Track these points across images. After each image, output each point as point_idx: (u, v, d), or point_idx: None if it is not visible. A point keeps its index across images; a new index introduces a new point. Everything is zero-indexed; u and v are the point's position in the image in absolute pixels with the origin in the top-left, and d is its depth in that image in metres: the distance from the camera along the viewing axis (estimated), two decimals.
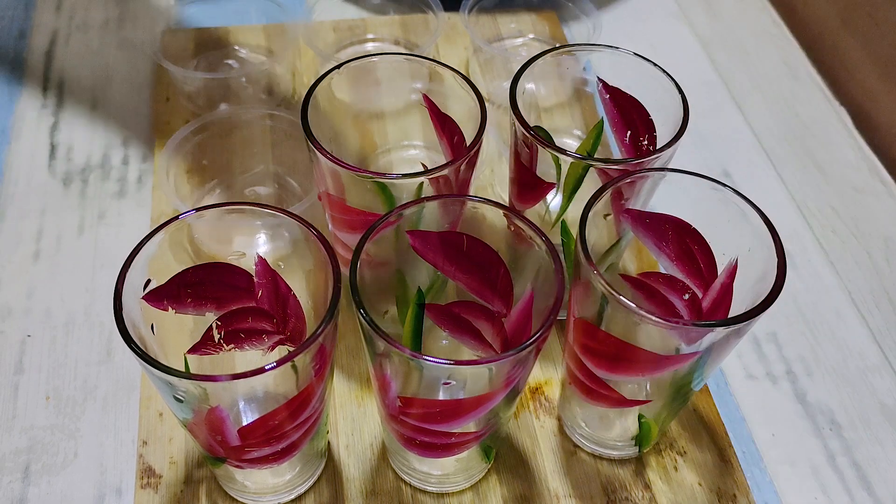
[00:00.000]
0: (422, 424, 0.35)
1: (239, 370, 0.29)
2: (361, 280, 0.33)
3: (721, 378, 0.47)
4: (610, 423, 0.41)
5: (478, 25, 0.63)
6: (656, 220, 0.37)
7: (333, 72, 0.41)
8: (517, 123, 0.39)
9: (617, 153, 0.44)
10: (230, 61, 0.62)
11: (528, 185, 0.41)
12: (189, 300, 0.35)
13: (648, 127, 0.41)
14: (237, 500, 0.40)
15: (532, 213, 0.43)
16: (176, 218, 0.33)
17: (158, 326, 0.34)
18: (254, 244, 0.35)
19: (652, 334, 0.34)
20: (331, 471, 0.41)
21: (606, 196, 0.35)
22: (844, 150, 0.60)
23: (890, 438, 0.45)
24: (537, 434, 0.43)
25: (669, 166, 0.38)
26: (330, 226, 0.43)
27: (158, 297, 0.34)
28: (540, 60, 0.42)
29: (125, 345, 0.29)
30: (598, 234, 0.38)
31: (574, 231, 0.38)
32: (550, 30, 0.65)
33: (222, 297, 0.36)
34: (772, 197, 0.57)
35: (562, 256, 0.33)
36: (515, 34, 0.65)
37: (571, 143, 0.56)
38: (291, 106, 0.59)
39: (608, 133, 0.43)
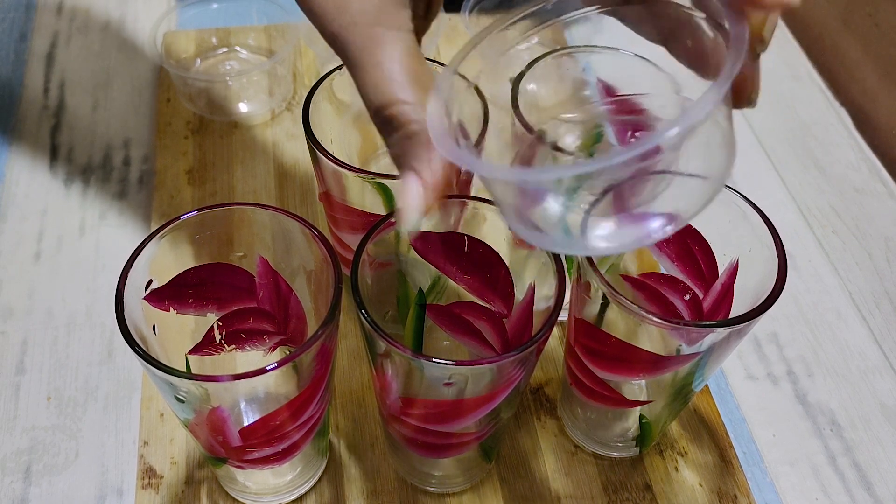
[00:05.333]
0: (423, 425, 0.35)
1: (240, 371, 0.29)
2: (362, 280, 0.33)
3: (722, 378, 0.47)
4: (610, 424, 0.41)
5: (479, 26, 0.63)
6: None
7: (334, 73, 0.41)
8: (518, 124, 0.39)
9: None
10: (231, 62, 0.62)
11: None
12: (190, 301, 0.35)
13: (648, 128, 0.41)
14: (238, 501, 0.40)
15: None
16: (177, 218, 0.34)
17: (160, 327, 0.34)
18: (255, 244, 0.35)
19: (653, 335, 0.34)
20: (332, 471, 0.41)
21: (607, 197, 0.35)
22: (845, 150, 0.60)
23: (890, 439, 0.45)
24: (538, 434, 0.43)
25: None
26: (331, 226, 0.43)
27: (160, 297, 0.34)
28: (541, 62, 0.42)
29: (126, 345, 0.30)
30: None
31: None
32: (551, 31, 0.65)
33: (223, 297, 0.36)
34: (772, 197, 0.57)
35: (563, 257, 0.34)
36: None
37: (572, 144, 0.56)
38: (292, 107, 0.59)
39: (608, 134, 0.43)
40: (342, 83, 0.41)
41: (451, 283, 0.37)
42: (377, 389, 0.36)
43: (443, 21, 0.59)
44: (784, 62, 0.66)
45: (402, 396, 0.34)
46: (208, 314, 0.36)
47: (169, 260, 0.34)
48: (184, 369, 0.35)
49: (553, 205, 0.27)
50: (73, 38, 0.64)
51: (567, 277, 0.33)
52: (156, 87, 0.60)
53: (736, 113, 0.68)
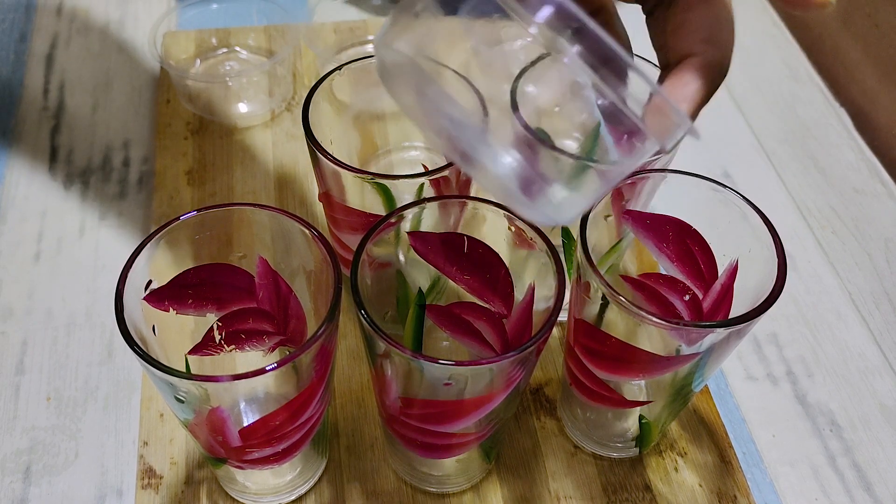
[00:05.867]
0: (422, 425, 0.35)
1: (240, 371, 0.29)
2: (362, 281, 0.33)
3: (721, 379, 0.47)
4: (610, 424, 0.41)
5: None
6: (657, 221, 0.37)
7: (334, 73, 0.41)
8: (518, 126, 0.39)
9: None
10: (231, 63, 0.62)
11: None
12: (190, 301, 0.35)
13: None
14: (238, 501, 0.40)
15: None
16: (177, 219, 0.34)
17: (159, 327, 0.34)
18: (255, 245, 0.35)
19: (652, 335, 0.34)
20: (332, 471, 0.41)
21: (607, 197, 0.36)
22: (844, 150, 0.60)
23: (890, 440, 0.45)
24: (538, 435, 0.43)
25: (670, 167, 0.38)
26: (330, 227, 0.43)
27: (159, 297, 0.34)
28: (540, 62, 0.42)
29: (126, 345, 0.30)
30: (599, 235, 0.38)
31: (575, 232, 0.38)
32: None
33: (223, 297, 0.36)
34: (772, 198, 0.57)
35: (562, 257, 0.34)
36: (516, 36, 0.65)
37: (572, 145, 0.56)
38: (292, 107, 0.59)
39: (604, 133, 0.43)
40: (342, 84, 0.41)
41: (451, 283, 0.37)
42: (377, 390, 0.36)
43: None
44: (784, 62, 0.66)
45: (401, 397, 0.34)
46: (208, 314, 0.36)
47: (168, 260, 0.34)
48: (183, 369, 0.36)
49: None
50: (73, 39, 0.64)
51: (567, 278, 0.33)
52: (155, 87, 0.60)
53: (736, 113, 0.68)
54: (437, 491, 0.41)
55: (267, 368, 0.29)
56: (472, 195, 0.38)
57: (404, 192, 0.38)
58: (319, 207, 0.52)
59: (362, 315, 0.31)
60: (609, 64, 0.25)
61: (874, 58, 0.61)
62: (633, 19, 0.31)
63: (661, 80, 0.29)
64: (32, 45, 0.63)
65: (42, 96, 0.59)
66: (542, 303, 0.34)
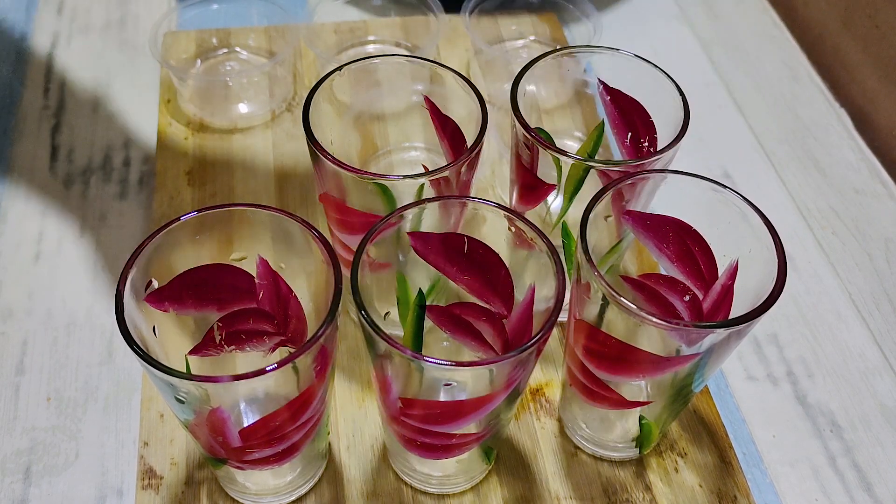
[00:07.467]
0: (423, 426, 0.35)
1: (240, 371, 0.29)
2: (362, 281, 0.33)
3: (722, 379, 0.47)
4: (610, 425, 0.41)
5: (478, 27, 0.63)
6: (657, 221, 0.37)
7: (334, 73, 0.41)
8: (518, 125, 0.39)
9: (618, 155, 0.44)
10: (231, 63, 0.62)
11: (528, 186, 0.41)
12: (190, 301, 0.35)
13: (649, 128, 0.41)
14: (238, 502, 0.40)
15: (533, 214, 0.43)
16: (177, 219, 0.34)
17: (160, 328, 0.34)
18: (255, 245, 0.35)
19: (652, 336, 0.34)
20: (332, 472, 0.41)
21: (607, 197, 0.36)
22: (844, 151, 0.60)
23: (890, 440, 0.45)
24: (538, 435, 0.43)
25: (670, 168, 0.38)
26: (331, 227, 0.43)
27: (160, 298, 0.34)
28: (541, 62, 0.42)
29: (126, 346, 0.30)
30: (599, 235, 0.38)
31: (575, 232, 0.38)
32: (551, 31, 0.65)
33: (223, 298, 0.36)
34: (772, 198, 0.57)
35: (562, 258, 0.34)
36: (516, 36, 0.65)
37: (572, 145, 0.56)
38: (292, 108, 0.59)
39: (609, 135, 0.43)
40: (342, 84, 0.41)
41: (451, 283, 0.37)
42: (377, 390, 0.36)
43: (443, 22, 0.59)
44: (784, 62, 0.66)
45: (401, 397, 0.34)
46: (208, 315, 0.36)
47: (169, 261, 0.34)
48: (184, 370, 0.35)
49: None
50: (74, 38, 0.64)
51: (567, 278, 0.33)
52: (156, 87, 0.60)
53: (736, 113, 0.68)
54: (438, 491, 0.41)
55: (267, 369, 0.29)
56: (472, 195, 0.38)
57: (404, 193, 0.38)
58: (320, 207, 0.51)
59: (362, 315, 0.31)
60: None
61: (874, 58, 0.61)
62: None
63: None
64: (33, 44, 0.63)
65: (42, 95, 0.59)
66: (542, 303, 0.34)
